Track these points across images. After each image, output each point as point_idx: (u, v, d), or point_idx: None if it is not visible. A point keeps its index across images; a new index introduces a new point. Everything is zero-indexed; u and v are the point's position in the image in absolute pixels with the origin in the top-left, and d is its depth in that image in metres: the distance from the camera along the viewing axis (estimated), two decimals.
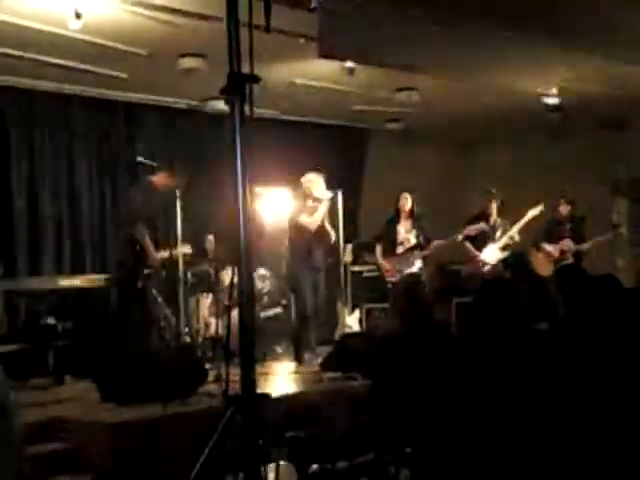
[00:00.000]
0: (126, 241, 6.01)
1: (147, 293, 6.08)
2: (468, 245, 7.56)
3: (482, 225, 7.38)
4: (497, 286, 3.21)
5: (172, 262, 5.89)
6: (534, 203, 7.68)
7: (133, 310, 5.92)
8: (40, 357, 5.64)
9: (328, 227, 6.57)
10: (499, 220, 7.65)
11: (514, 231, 7.54)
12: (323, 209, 6.43)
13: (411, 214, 7.36)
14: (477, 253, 7.54)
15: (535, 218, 7.60)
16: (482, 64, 6.24)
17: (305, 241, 6.47)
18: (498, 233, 7.58)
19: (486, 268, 7.48)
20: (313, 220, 6.43)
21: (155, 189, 6.15)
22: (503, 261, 7.58)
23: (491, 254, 7.55)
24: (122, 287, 6.08)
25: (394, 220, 7.37)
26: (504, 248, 7.57)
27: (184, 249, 6.03)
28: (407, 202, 7.30)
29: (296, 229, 6.47)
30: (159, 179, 6.17)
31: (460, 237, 7.33)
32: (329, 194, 6.49)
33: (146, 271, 5.98)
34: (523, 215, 7.59)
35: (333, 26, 5.30)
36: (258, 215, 7.24)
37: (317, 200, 6.43)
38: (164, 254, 6.02)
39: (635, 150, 8.91)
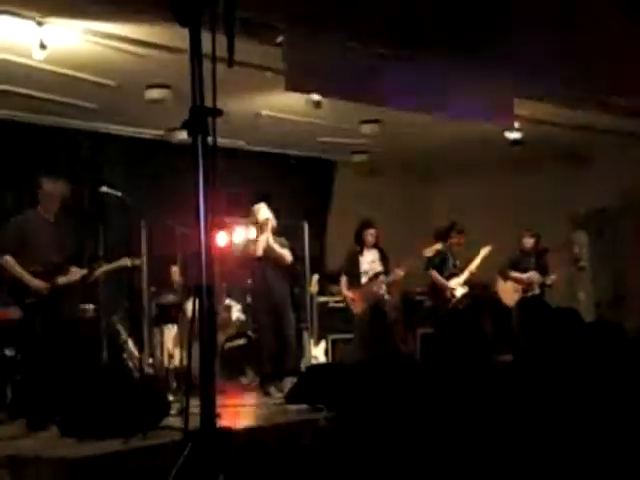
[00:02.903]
0: None
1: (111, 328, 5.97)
2: (435, 274, 7.61)
3: (438, 245, 7.40)
4: (460, 316, 3.23)
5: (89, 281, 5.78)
6: (491, 237, 7.84)
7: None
8: None
9: (277, 247, 6.59)
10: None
11: (473, 267, 7.64)
12: (264, 230, 6.53)
13: (375, 245, 7.37)
14: (447, 283, 7.61)
15: (488, 256, 7.74)
16: (444, 97, 6.36)
17: (260, 270, 6.55)
18: (456, 266, 7.68)
19: (453, 300, 7.55)
20: (258, 243, 6.52)
21: (49, 205, 5.51)
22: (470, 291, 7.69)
23: (457, 288, 7.64)
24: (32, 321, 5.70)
25: (357, 251, 7.37)
26: (466, 283, 7.67)
27: (122, 262, 5.87)
28: (372, 238, 7.31)
29: (248, 258, 6.59)
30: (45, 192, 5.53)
31: (417, 260, 7.30)
32: (267, 214, 6.58)
33: (29, 300, 5.65)
34: (475, 252, 7.73)
35: (299, 61, 5.37)
36: (228, 246, 7.23)
37: (261, 224, 6.56)
38: (63, 279, 5.50)
39: (594, 184, 9.09)
